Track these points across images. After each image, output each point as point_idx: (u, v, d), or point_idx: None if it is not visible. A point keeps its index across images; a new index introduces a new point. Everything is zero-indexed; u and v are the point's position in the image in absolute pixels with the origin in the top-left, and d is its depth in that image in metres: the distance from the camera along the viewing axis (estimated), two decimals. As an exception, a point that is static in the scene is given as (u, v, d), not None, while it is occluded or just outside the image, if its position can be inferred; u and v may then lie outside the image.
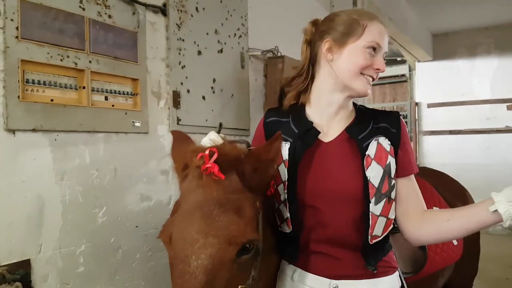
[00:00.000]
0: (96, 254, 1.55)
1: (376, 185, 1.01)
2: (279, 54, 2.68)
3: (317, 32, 1.13)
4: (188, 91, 1.99)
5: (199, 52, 2.06)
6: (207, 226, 0.82)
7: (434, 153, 6.41)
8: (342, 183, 1.03)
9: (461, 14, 5.59)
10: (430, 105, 6.63)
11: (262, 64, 2.67)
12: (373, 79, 1.08)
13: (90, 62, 1.53)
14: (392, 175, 1.03)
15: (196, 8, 2.05)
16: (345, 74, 1.06)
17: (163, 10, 1.87)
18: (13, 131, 1.31)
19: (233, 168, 0.91)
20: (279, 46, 2.67)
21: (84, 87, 1.51)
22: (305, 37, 1.17)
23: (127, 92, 1.70)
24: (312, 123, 1.09)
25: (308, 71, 1.14)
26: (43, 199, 1.39)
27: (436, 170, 2.36)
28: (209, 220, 0.83)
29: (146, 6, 1.78)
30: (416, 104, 6.79)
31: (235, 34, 2.33)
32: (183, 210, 0.88)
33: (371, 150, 1.02)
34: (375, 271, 1.03)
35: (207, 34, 2.12)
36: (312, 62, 1.14)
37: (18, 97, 1.31)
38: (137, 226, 1.72)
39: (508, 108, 6.01)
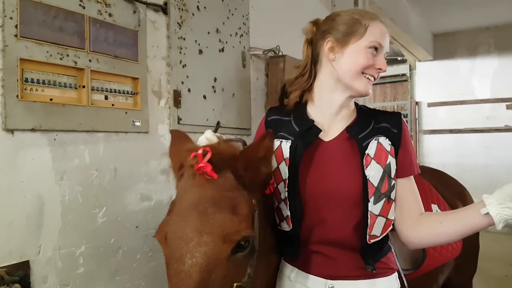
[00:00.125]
0: (96, 254, 1.54)
1: (376, 184, 1.00)
2: (280, 54, 2.67)
3: (318, 32, 1.13)
4: (189, 90, 1.97)
5: (200, 51, 2.05)
6: (202, 225, 0.83)
7: (434, 152, 6.41)
8: (341, 182, 1.03)
9: (461, 14, 5.59)
10: (430, 105, 6.64)
11: (264, 63, 2.66)
12: (374, 79, 1.08)
13: (90, 61, 1.51)
14: (392, 175, 1.03)
15: (197, 7, 2.03)
16: (347, 74, 1.06)
17: (164, 9, 1.85)
18: (11, 131, 1.30)
19: (228, 166, 0.91)
20: (280, 45, 2.65)
21: (84, 86, 1.49)
22: (305, 37, 1.16)
23: (127, 91, 1.68)
24: (313, 121, 1.09)
25: (310, 70, 1.14)
26: (42, 199, 1.38)
27: (435, 169, 2.35)
28: (203, 219, 0.83)
29: (147, 4, 1.77)
30: (417, 103, 6.79)
31: (236, 33, 2.31)
32: (178, 209, 0.88)
33: (371, 149, 1.02)
34: (374, 271, 1.02)
35: (208, 33, 2.10)
36: (314, 62, 1.14)
37: (17, 96, 1.29)
38: (137, 227, 1.70)
39: (508, 107, 6.01)
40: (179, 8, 1.92)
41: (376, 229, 1.02)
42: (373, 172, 1.00)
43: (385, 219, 1.03)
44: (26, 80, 1.33)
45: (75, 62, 1.47)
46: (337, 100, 1.09)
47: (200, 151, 0.87)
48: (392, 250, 1.13)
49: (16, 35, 1.29)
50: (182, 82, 1.94)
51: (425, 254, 1.38)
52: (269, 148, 0.94)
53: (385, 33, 1.07)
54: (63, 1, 1.43)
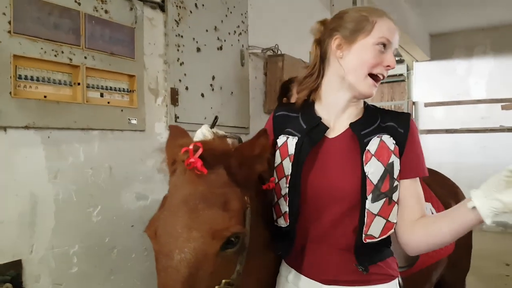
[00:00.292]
0: (90, 254, 1.52)
1: (375, 182, 0.98)
2: (279, 52, 2.66)
3: (326, 31, 1.12)
4: (186, 88, 1.95)
5: (198, 49, 2.03)
6: (192, 220, 0.82)
7: (430, 152, 6.42)
8: (339, 179, 1.02)
9: (458, 15, 5.60)
10: (427, 104, 6.65)
11: (262, 62, 2.65)
12: (383, 77, 1.06)
13: (85, 58, 1.49)
14: (395, 176, 1.00)
15: (195, 5, 2.01)
16: (352, 74, 1.05)
17: (161, 6, 1.83)
18: (4, 128, 1.27)
19: (221, 162, 0.90)
20: (279, 44, 2.64)
21: (79, 84, 1.47)
22: (314, 37, 1.15)
23: (124, 88, 1.66)
24: (320, 118, 1.09)
25: (319, 70, 1.13)
26: (35, 198, 1.36)
27: (429, 168, 2.35)
28: (193, 214, 0.83)
29: (144, 1, 1.75)
30: (413, 103, 6.79)
31: (235, 32, 2.29)
32: (169, 205, 0.88)
33: (372, 146, 1.00)
34: (365, 273, 0.99)
35: (207, 31, 2.08)
36: (322, 61, 1.13)
37: (10, 93, 1.27)
38: (132, 226, 1.68)
39: (503, 108, 6.04)
40: (176, 6, 1.90)
41: (374, 229, 0.99)
42: (373, 169, 0.98)
43: (384, 221, 1.00)
44: (20, 77, 1.31)
45: (70, 59, 1.44)
46: (342, 98, 1.08)
47: (191, 147, 0.86)
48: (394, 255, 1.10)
49: (9, 31, 1.27)
50: (180, 80, 1.92)
51: None
52: (265, 146, 0.93)
53: (394, 29, 1.05)
54: (59, -4, 1.41)
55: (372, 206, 0.98)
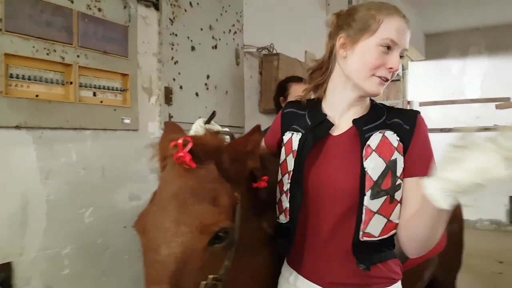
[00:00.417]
0: (82, 255, 1.50)
1: (375, 178, 0.94)
2: (274, 52, 2.64)
3: (336, 25, 1.08)
4: (180, 87, 1.94)
5: (193, 48, 2.01)
6: (180, 215, 0.82)
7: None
8: (340, 177, 0.99)
9: (454, 15, 5.62)
10: (422, 104, 6.65)
11: (257, 61, 2.64)
12: (387, 80, 1.01)
13: (78, 56, 1.47)
14: (398, 174, 0.96)
15: (190, 3, 1.99)
16: (355, 75, 1.02)
17: (155, 4, 1.81)
18: (-5, 128, 1.25)
19: (212, 158, 0.90)
20: (274, 43, 2.63)
21: (71, 83, 1.45)
22: (328, 29, 1.11)
23: (117, 87, 1.64)
24: (325, 115, 1.07)
25: (328, 64, 1.09)
26: (26, 199, 1.34)
27: None
28: (182, 209, 0.83)
29: (138, 0, 1.73)
30: (408, 102, 6.79)
31: (230, 30, 2.28)
32: (158, 200, 0.87)
33: (373, 141, 0.97)
34: (367, 271, 0.96)
35: (201, 29, 2.06)
36: (331, 56, 1.09)
37: (1, 92, 1.25)
38: (125, 226, 1.67)
39: (497, 107, 6.07)
40: (171, 4, 1.88)
41: (373, 228, 0.96)
42: (373, 165, 0.95)
43: (385, 220, 0.96)
44: (11, 76, 1.29)
45: (63, 58, 1.42)
46: (347, 97, 1.05)
47: (180, 141, 0.85)
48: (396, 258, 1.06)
49: (0, 29, 1.25)
50: (174, 79, 1.90)
51: None
52: (257, 142, 0.92)
53: (403, 29, 0.99)
54: (51, -6, 1.38)
55: (371, 203, 0.94)
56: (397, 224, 0.99)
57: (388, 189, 0.95)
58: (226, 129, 1.14)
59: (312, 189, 1.02)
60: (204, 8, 2.07)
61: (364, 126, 1.00)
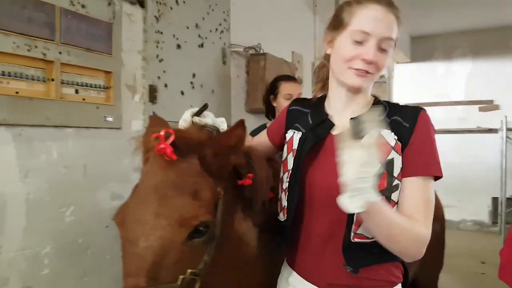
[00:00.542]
0: (62, 255, 1.48)
1: None
2: (261, 51, 2.65)
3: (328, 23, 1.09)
4: (165, 85, 1.93)
5: (179, 46, 2.00)
6: (160, 208, 0.81)
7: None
8: (334, 175, 0.95)
9: (439, 18, 5.70)
10: (407, 106, 6.77)
11: (244, 60, 2.63)
12: (366, 72, 0.96)
13: (60, 53, 1.44)
14: (395, 174, 0.93)
15: (176, 1, 1.98)
16: (335, 70, 1.03)
17: (140, 2, 1.79)
18: (-28, 125, 1.22)
19: (195, 152, 0.89)
20: (261, 43, 2.63)
21: (53, 79, 1.43)
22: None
23: (100, 85, 1.62)
24: (327, 115, 1.06)
25: (328, 61, 1.09)
26: (4, 198, 1.31)
27: None
28: (162, 202, 0.82)
29: (123, -4, 1.71)
30: (394, 104, 6.90)
31: (216, 29, 2.27)
32: (139, 192, 0.87)
33: None
34: (353, 274, 0.96)
35: (187, 28, 2.05)
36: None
37: (-21, 88, 1.22)
38: (107, 226, 1.65)
39: (480, 109, 6.20)
40: (156, 1, 1.87)
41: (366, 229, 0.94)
42: None
43: None
44: (-10, 72, 1.26)
45: (44, 54, 1.40)
46: (340, 94, 1.05)
47: (162, 133, 0.85)
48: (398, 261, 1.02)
49: (-21, 24, 1.22)
50: (159, 77, 1.89)
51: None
52: (240, 137, 0.92)
53: (378, 16, 0.96)
54: (32, -11, 1.36)
55: None
56: None
57: (383, 190, 0.92)
58: (222, 118, 1.11)
59: (310, 188, 1.02)
60: (190, 6, 2.06)
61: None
